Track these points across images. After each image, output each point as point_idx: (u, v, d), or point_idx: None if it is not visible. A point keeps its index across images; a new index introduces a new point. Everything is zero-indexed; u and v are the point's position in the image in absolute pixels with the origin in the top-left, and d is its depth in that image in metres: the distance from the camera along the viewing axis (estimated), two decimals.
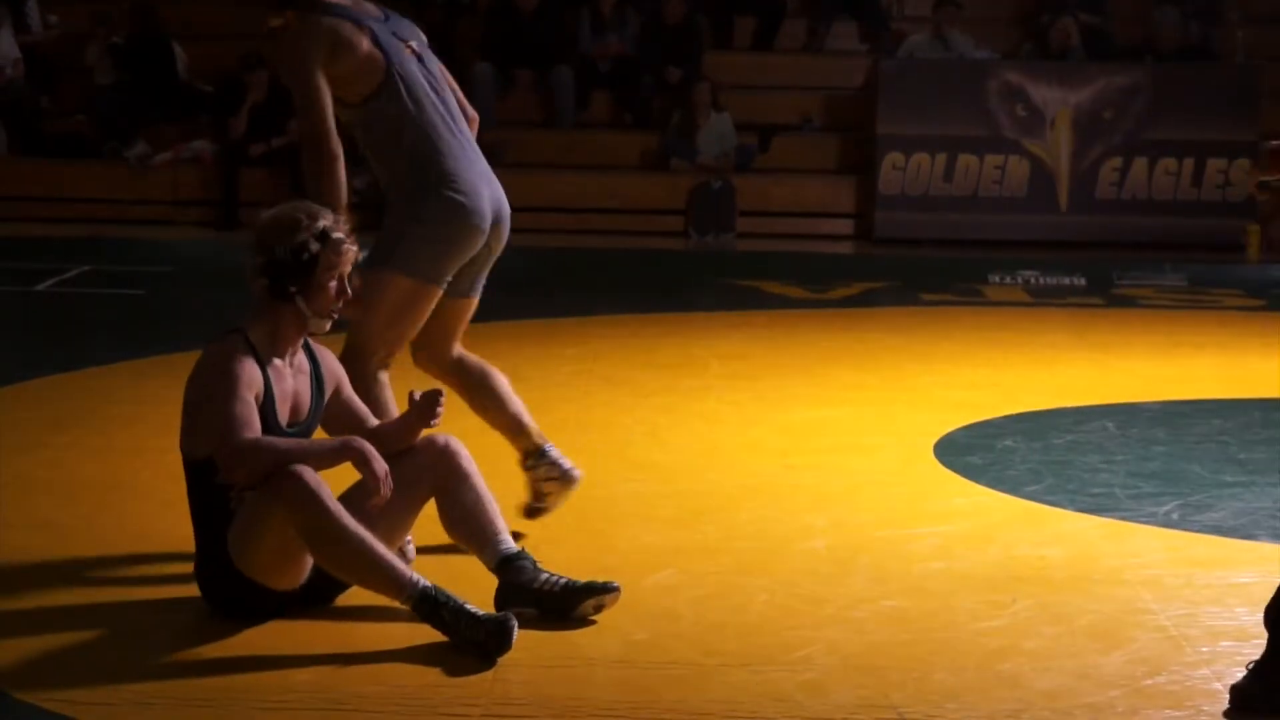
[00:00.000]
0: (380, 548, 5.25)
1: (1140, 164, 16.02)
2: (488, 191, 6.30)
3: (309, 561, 5.37)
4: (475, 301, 6.48)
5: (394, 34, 6.36)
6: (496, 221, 6.31)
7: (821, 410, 8.92)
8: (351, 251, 5.51)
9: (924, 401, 9.11)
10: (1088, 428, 8.63)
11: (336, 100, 6.18)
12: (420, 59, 6.41)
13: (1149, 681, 5.07)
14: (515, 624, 5.18)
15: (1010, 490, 7.33)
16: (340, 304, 5.55)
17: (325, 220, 5.47)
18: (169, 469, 5.96)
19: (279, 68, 6.50)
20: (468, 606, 5.18)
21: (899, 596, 5.86)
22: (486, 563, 5.57)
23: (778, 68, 17.67)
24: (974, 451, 8.02)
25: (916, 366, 10.23)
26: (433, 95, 6.33)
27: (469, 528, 5.60)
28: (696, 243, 15.64)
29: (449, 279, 6.26)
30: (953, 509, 7.08)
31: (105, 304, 12.28)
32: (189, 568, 5.56)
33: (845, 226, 16.53)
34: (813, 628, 5.50)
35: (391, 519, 5.53)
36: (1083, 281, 14.09)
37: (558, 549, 6.03)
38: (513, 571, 5.52)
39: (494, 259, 6.45)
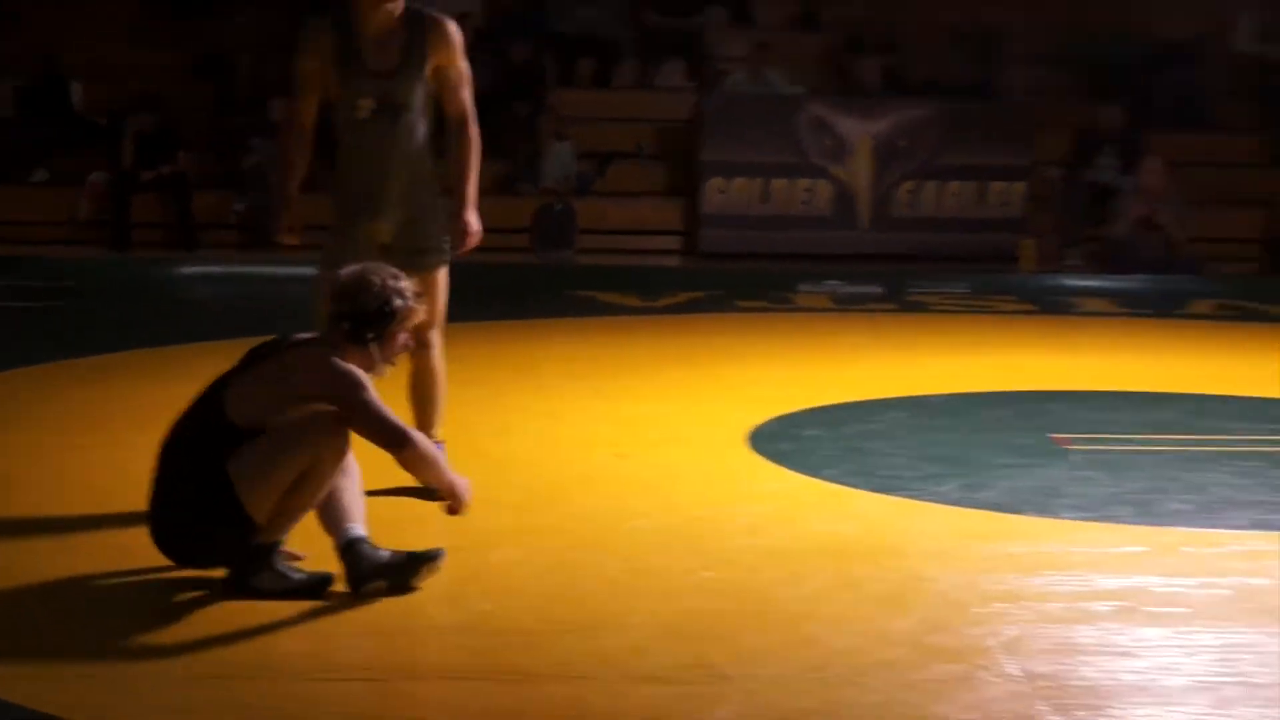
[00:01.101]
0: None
1: (931, 186, 16.16)
2: None
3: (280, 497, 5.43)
4: None
5: None
6: None
7: (649, 405, 8.94)
8: (420, 312, 5.67)
9: (739, 397, 9.15)
10: (881, 418, 8.71)
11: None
12: None
13: (931, 640, 5.12)
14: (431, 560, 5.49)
15: (812, 473, 7.38)
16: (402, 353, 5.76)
17: (405, 283, 5.56)
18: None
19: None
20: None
21: (714, 569, 5.89)
22: (335, 544, 5.53)
23: (614, 103, 17.68)
24: (781, 440, 8.07)
25: (733, 366, 10.28)
26: None
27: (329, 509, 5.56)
28: (541, 258, 15.64)
29: None
30: (762, 491, 7.13)
31: (13, 316, 12.08)
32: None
33: (673, 243, 16.56)
34: (638, 597, 5.52)
35: None
36: (880, 290, 14.18)
37: (409, 531, 6.02)
38: (357, 553, 5.49)
39: None
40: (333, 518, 5.55)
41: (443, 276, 6.69)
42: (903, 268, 15.11)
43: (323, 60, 6.44)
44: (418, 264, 6.46)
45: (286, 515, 5.49)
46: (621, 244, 16.35)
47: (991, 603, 5.50)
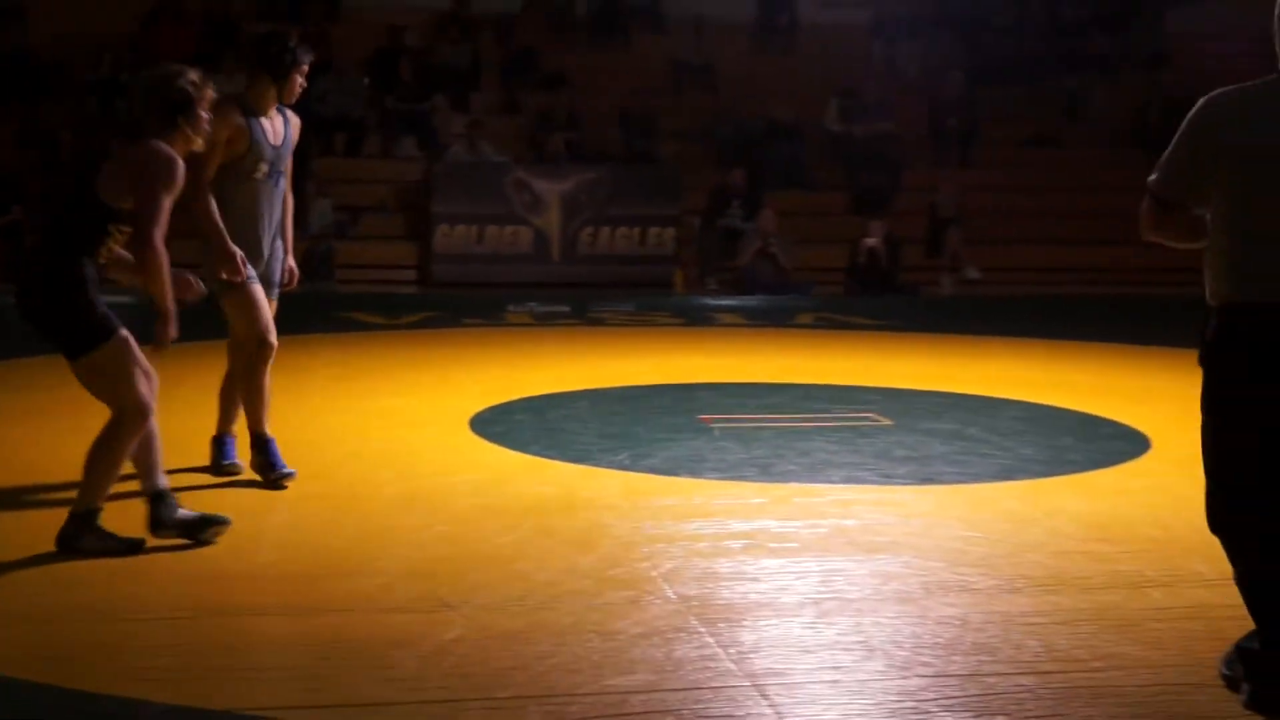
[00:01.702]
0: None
1: (605, 231, 16.26)
2: None
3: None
4: None
5: None
6: None
7: (393, 400, 8.83)
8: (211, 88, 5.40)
9: (463, 392, 9.08)
10: (572, 405, 8.72)
11: None
12: None
13: (610, 572, 5.13)
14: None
15: (519, 449, 7.35)
16: None
17: (191, 71, 5.32)
18: None
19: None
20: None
21: (446, 524, 5.83)
22: (145, 490, 5.34)
23: (363, 168, 17.43)
24: (496, 424, 8.02)
25: (459, 368, 10.21)
26: None
27: (142, 458, 5.32)
28: (308, 288, 15.34)
29: None
30: (482, 463, 7.07)
31: None
32: None
33: (411, 275, 16.41)
34: (386, 547, 5.44)
35: None
36: (568, 309, 14.23)
37: (206, 499, 5.85)
38: (164, 504, 5.33)
39: None
40: (145, 465, 5.32)
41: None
42: (585, 292, 15.18)
43: (231, 131, 6.24)
44: (273, 295, 6.49)
45: (99, 482, 5.20)
46: (372, 276, 16.18)
47: (654, 543, 5.53)
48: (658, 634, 4.47)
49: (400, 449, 7.33)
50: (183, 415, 6.97)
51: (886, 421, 8.21)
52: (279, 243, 6.57)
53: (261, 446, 6.41)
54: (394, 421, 8.09)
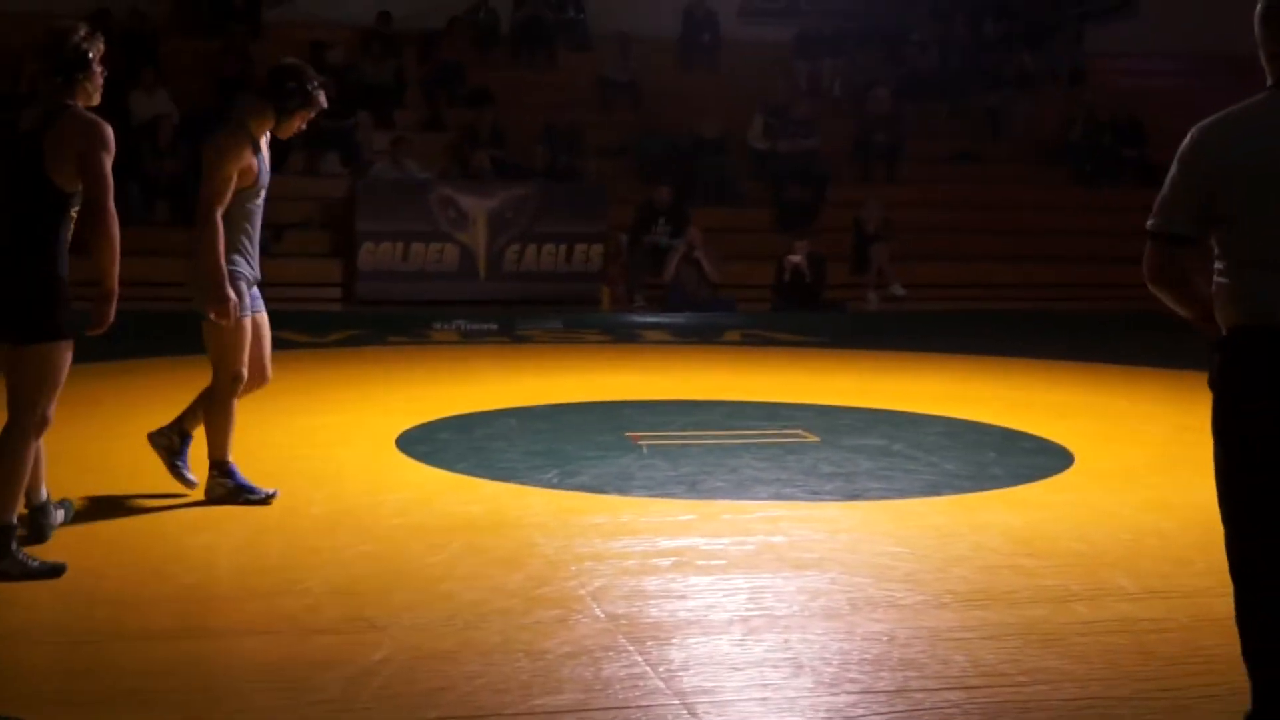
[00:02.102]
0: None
1: (532, 248, 16.20)
2: None
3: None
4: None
5: None
6: None
7: (318, 419, 8.77)
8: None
9: (389, 410, 9.04)
10: (499, 423, 8.69)
11: None
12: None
13: (538, 591, 5.12)
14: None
15: (447, 468, 7.33)
16: None
17: (83, 28, 5.32)
18: None
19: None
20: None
21: (372, 543, 5.79)
22: (28, 501, 5.43)
23: (287, 185, 17.21)
24: (422, 443, 7.99)
25: (384, 387, 10.16)
26: None
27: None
28: None
29: None
30: (408, 481, 7.04)
31: None
32: None
33: (336, 293, 16.29)
34: (312, 568, 5.39)
35: None
36: (495, 327, 14.20)
37: (135, 520, 5.78)
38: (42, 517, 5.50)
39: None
40: (35, 478, 5.38)
41: None
42: (512, 310, 15.15)
43: (245, 165, 6.25)
44: (261, 308, 6.57)
45: (8, 493, 5.13)
46: (297, 294, 16.02)
47: (583, 561, 5.53)
48: (586, 653, 4.47)
49: (325, 468, 7.27)
50: (103, 437, 6.90)
51: (813, 438, 8.25)
52: None
53: (227, 472, 6.39)
54: (319, 440, 8.03)
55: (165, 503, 6.35)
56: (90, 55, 5.24)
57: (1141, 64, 21.61)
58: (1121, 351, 12.71)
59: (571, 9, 20.10)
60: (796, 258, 15.98)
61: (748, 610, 4.95)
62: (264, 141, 6.45)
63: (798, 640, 4.63)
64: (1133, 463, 7.73)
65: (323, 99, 6.40)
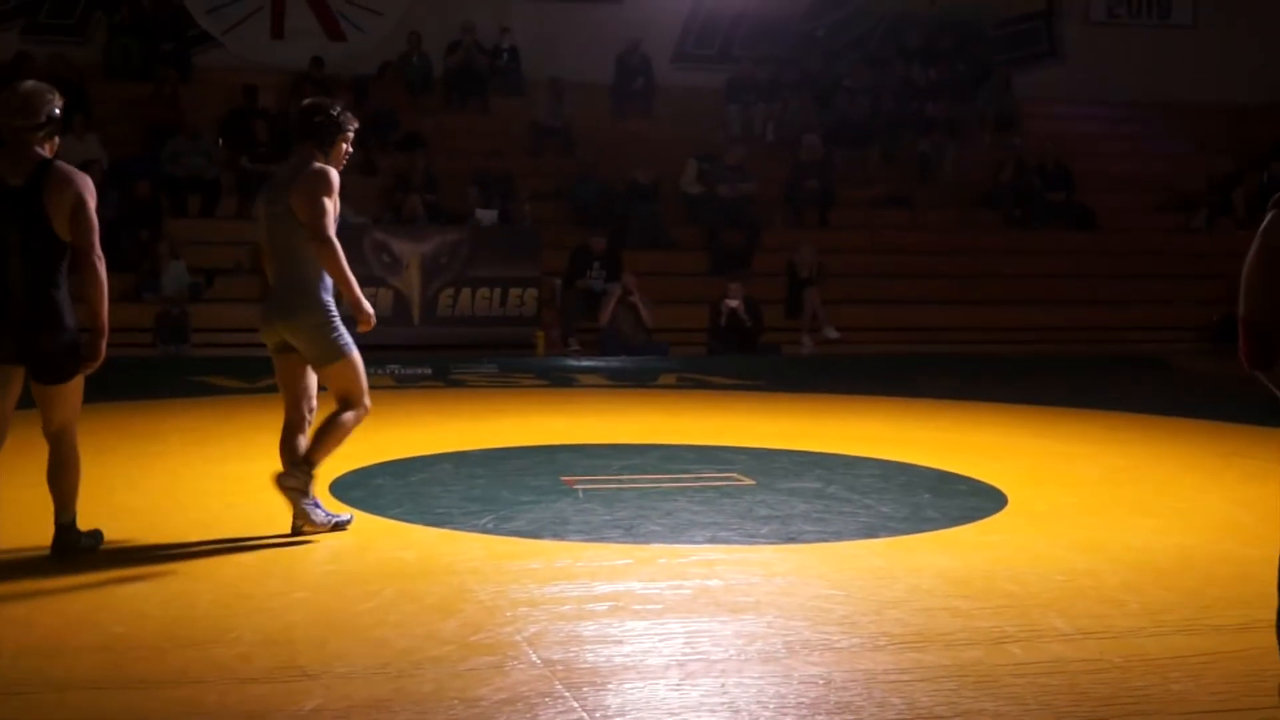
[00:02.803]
0: None
1: (466, 292, 16.21)
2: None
3: None
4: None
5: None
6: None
7: (251, 464, 8.65)
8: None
9: None
10: (433, 468, 8.64)
11: None
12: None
13: (473, 638, 5.07)
14: None
15: (381, 513, 7.27)
16: None
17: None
18: None
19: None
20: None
21: (304, 590, 5.73)
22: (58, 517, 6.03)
23: (217, 229, 17.22)
24: (356, 488, 7.94)
25: None
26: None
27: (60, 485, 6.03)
28: (162, 352, 15.10)
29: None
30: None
31: None
32: None
33: None
34: (244, 615, 5.32)
35: None
36: (429, 371, 14.15)
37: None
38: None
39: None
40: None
41: None
42: (446, 354, 15.10)
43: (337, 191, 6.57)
44: None
45: (75, 493, 6.02)
46: (228, 339, 15.92)
47: (518, 607, 5.48)
48: (522, 699, 4.43)
49: (257, 514, 7.18)
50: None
51: (749, 481, 8.26)
52: None
53: (311, 475, 6.72)
54: (251, 486, 7.93)
55: (93, 551, 6.26)
56: (58, 107, 5.85)
57: (1069, 110, 21.94)
58: (1052, 394, 12.83)
59: (504, 55, 20.16)
60: (734, 302, 16.05)
61: (684, 655, 4.93)
62: None
63: (734, 684, 4.62)
64: (1065, 504, 7.79)
65: (352, 120, 6.61)
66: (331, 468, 8.30)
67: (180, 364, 14.44)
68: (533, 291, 16.32)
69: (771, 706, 4.42)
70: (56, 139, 5.82)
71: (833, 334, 16.88)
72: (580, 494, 7.82)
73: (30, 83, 5.86)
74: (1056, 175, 19.77)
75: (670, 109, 20.17)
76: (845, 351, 16.55)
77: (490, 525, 7.00)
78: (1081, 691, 4.57)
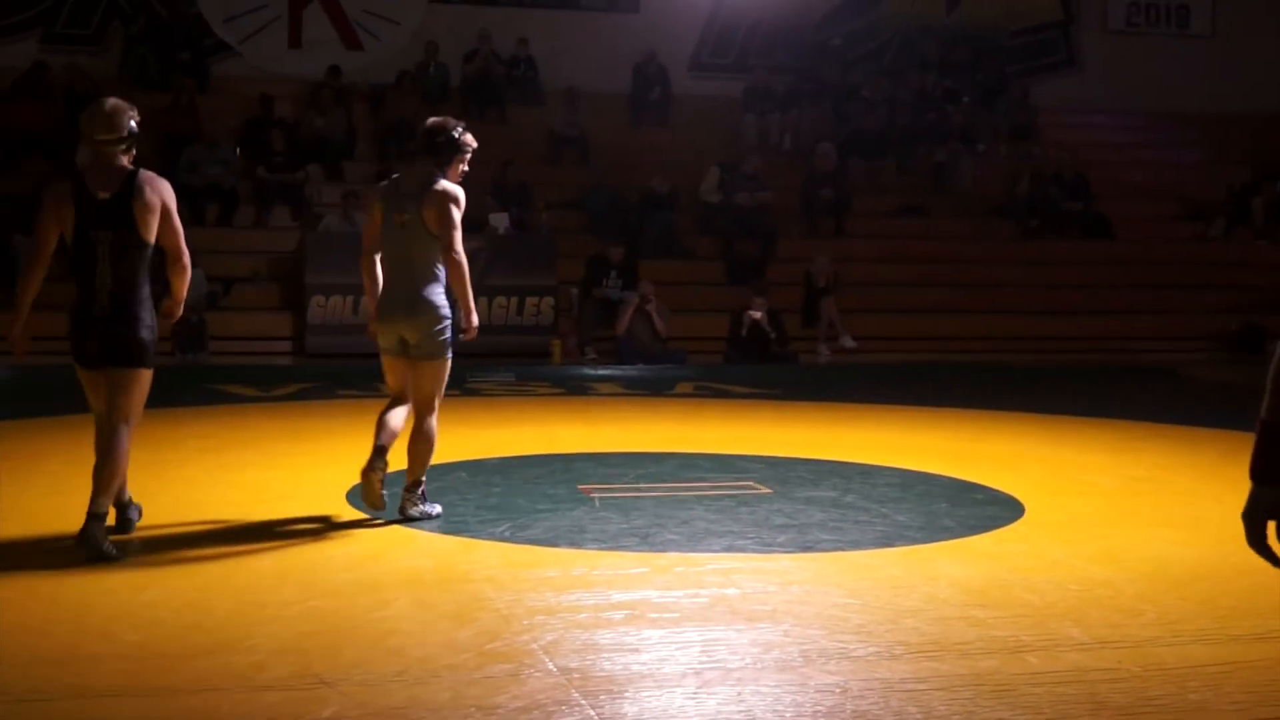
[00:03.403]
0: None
1: (483, 301, 16.20)
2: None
3: None
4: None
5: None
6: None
7: (267, 472, 8.69)
8: None
9: (338, 463, 8.91)
10: (449, 477, 8.61)
11: None
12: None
13: (490, 646, 5.06)
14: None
15: (397, 521, 7.26)
16: None
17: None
18: None
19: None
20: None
21: (320, 599, 5.73)
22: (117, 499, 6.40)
23: (236, 238, 17.28)
24: None
25: (334, 440, 10.07)
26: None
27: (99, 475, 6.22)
28: (181, 360, 15.13)
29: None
30: (358, 536, 6.97)
31: None
32: None
33: (286, 346, 16.24)
34: (259, 624, 5.32)
35: None
36: None
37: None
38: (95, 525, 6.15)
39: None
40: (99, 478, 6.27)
41: None
42: (463, 362, 15.09)
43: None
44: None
45: (114, 486, 6.21)
46: (246, 348, 15.98)
47: (535, 615, 5.48)
48: (539, 707, 4.42)
49: (273, 522, 7.20)
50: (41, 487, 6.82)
51: (765, 490, 8.24)
52: None
53: (421, 495, 7.27)
54: (267, 494, 7.95)
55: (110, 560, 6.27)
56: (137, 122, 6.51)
57: (1086, 119, 21.90)
58: (1069, 403, 12.79)
59: (521, 64, 20.19)
60: (757, 313, 16.03)
61: (701, 663, 4.92)
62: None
63: (751, 693, 4.61)
64: (1082, 513, 7.76)
65: (471, 141, 7.06)
66: (347, 476, 8.34)
67: (198, 372, 14.46)
68: (550, 300, 16.33)
69: (788, 715, 4.41)
70: (134, 150, 6.36)
71: (849, 343, 16.87)
72: (597, 502, 7.81)
73: (112, 100, 6.35)
74: (1074, 185, 19.73)
75: (686, 118, 20.19)
76: (862, 360, 16.53)
77: (507, 533, 7.00)
78: (1099, 701, 4.55)
